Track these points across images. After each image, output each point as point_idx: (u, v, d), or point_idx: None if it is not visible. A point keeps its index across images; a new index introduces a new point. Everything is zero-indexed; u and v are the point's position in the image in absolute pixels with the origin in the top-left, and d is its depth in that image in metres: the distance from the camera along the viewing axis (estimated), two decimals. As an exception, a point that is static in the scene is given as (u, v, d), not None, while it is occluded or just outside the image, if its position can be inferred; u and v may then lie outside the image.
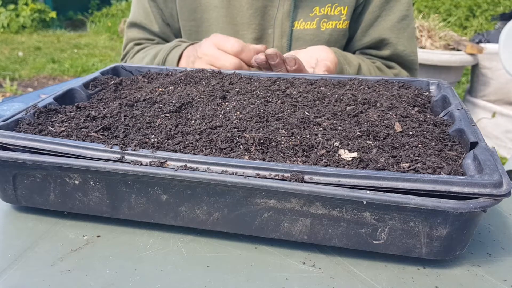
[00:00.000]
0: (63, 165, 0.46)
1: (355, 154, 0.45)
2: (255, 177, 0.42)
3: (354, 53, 1.02)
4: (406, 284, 0.41)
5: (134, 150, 0.46)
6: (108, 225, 0.50)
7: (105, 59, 4.37)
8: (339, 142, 0.48)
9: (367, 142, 0.49)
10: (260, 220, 0.44)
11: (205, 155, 0.47)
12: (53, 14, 5.62)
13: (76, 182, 0.47)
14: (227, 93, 0.64)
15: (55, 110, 0.58)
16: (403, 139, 0.50)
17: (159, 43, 1.02)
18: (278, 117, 0.55)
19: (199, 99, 0.61)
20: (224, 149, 0.48)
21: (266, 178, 0.42)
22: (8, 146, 0.48)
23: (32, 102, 0.58)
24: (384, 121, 0.54)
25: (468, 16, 3.83)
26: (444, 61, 2.71)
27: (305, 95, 0.63)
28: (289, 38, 0.95)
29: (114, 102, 0.62)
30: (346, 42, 1.01)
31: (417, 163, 0.44)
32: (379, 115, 0.55)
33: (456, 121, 0.52)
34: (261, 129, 0.52)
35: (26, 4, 5.48)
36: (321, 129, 0.52)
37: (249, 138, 0.49)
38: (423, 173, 0.42)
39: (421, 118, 0.55)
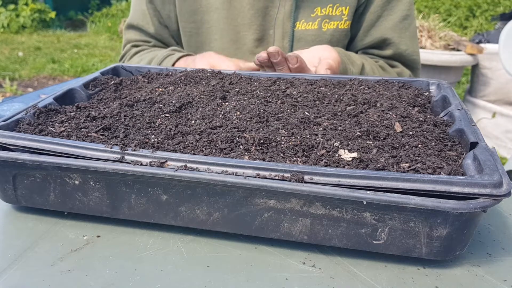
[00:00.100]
0: (63, 165, 0.46)
1: (355, 154, 0.45)
2: (255, 177, 0.42)
3: (356, 53, 1.02)
4: (406, 284, 0.41)
5: (134, 150, 0.46)
6: (108, 225, 0.50)
7: (105, 59, 4.37)
8: (339, 142, 0.48)
9: (367, 142, 0.49)
10: (260, 220, 0.44)
11: (205, 155, 0.47)
12: (53, 14, 5.62)
13: (76, 182, 0.47)
14: (227, 93, 0.64)
15: (55, 110, 0.58)
16: (403, 139, 0.50)
17: (155, 45, 1.02)
18: (278, 117, 0.55)
19: (199, 99, 0.61)
20: (224, 149, 0.48)
21: (266, 178, 0.42)
22: (8, 146, 0.48)
23: (32, 102, 0.58)
24: (384, 121, 0.54)
25: (468, 16, 3.83)
26: (444, 61, 2.71)
27: (305, 95, 0.63)
28: (290, 38, 0.95)
29: (114, 102, 0.62)
30: (348, 42, 1.01)
31: (417, 163, 0.44)
32: (379, 115, 0.55)
33: (456, 121, 0.52)
34: (261, 129, 0.52)
35: (26, 4, 5.48)
36: (321, 129, 0.52)
37: (249, 138, 0.49)
38: (423, 173, 0.42)
39: (421, 118, 0.55)
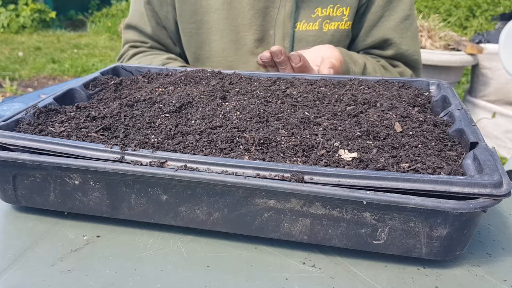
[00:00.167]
0: (63, 165, 0.46)
1: (355, 154, 0.45)
2: (255, 177, 0.42)
3: (358, 53, 1.02)
4: (406, 284, 0.41)
5: (134, 150, 0.46)
6: (108, 225, 0.50)
7: (105, 59, 4.37)
8: (339, 142, 0.48)
9: (367, 142, 0.49)
10: (260, 220, 0.44)
11: (205, 155, 0.47)
12: (53, 14, 5.62)
13: (76, 182, 0.47)
14: (227, 93, 0.64)
15: (55, 110, 0.58)
16: (403, 139, 0.50)
17: (153, 46, 1.02)
18: (278, 117, 0.55)
19: (199, 99, 0.61)
20: (224, 149, 0.48)
21: (266, 178, 0.42)
22: (8, 146, 0.48)
23: (32, 102, 0.58)
24: (384, 121, 0.54)
25: (468, 16, 3.83)
26: (444, 61, 2.71)
27: (305, 95, 0.63)
28: (291, 39, 0.95)
29: (114, 102, 0.62)
30: (350, 42, 1.01)
31: (417, 163, 0.44)
32: (379, 115, 0.55)
33: (456, 121, 0.52)
34: (261, 129, 0.52)
35: (26, 4, 5.48)
36: (321, 129, 0.52)
37: (249, 138, 0.49)
38: (423, 173, 0.42)
39: (421, 118, 0.55)
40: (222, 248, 0.46)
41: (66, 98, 0.63)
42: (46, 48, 4.73)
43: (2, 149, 0.49)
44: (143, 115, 0.57)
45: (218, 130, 0.52)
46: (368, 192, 0.40)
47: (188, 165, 0.44)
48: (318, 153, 0.46)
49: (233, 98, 0.62)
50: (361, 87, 0.67)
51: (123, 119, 0.55)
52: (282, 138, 0.49)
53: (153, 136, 0.51)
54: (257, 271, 0.43)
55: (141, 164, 0.44)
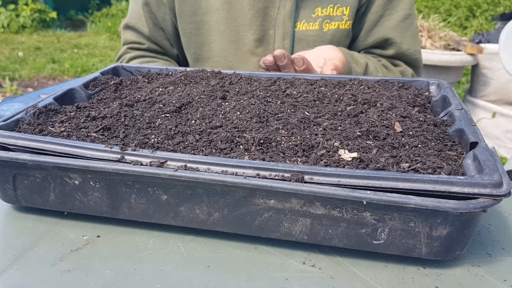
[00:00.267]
0: (63, 165, 0.46)
1: (355, 154, 0.45)
2: (255, 177, 0.42)
3: (358, 52, 1.02)
4: (406, 284, 0.41)
5: (134, 150, 0.46)
6: (108, 225, 0.50)
7: (105, 59, 4.37)
8: (339, 142, 0.48)
9: (367, 142, 0.49)
10: (260, 220, 0.44)
11: (205, 155, 0.47)
12: (53, 14, 5.62)
13: (76, 182, 0.47)
14: (227, 93, 0.64)
15: (55, 110, 0.58)
16: (403, 139, 0.50)
17: (149, 47, 1.02)
18: (278, 117, 0.55)
19: (199, 99, 0.61)
20: (224, 149, 0.48)
21: (266, 178, 0.42)
22: (8, 146, 0.48)
23: (32, 102, 0.58)
24: (384, 121, 0.54)
25: (468, 16, 3.83)
26: (444, 61, 2.71)
27: (305, 95, 0.63)
28: (291, 39, 0.95)
29: (114, 102, 0.62)
30: (350, 42, 1.02)
31: (417, 163, 0.44)
32: (379, 115, 0.55)
33: (456, 121, 0.52)
34: (261, 129, 0.52)
35: (26, 4, 5.48)
36: (321, 129, 0.52)
37: (249, 138, 0.49)
38: (423, 173, 0.42)
39: (421, 118, 0.55)
40: (222, 248, 0.46)
41: (66, 98, 0.63)
42: (46, 48, 4.73)
43: (2, 149, 0.49)
44: (143, 115, 0.57)
45: (218, 130, 0.52)
46: (368, 192, 0.40)
47: (188, 165, 0.44)
48: (318, 153, 0.46)
49: (233, 98, 0.62)
50: (361, 87, 0.67)
51: (123, 119, 0.55)
52: (282, 138, 0.49)
53: (153, 136, 0.51)
54: (257, 271, 0.43)
55: (141, 164, 0.44)
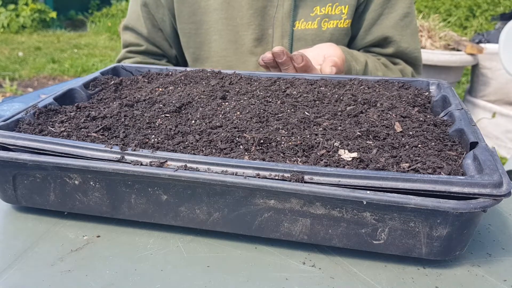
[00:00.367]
0: (63, 165, 0.46)
1: (355, 154, 0.45)
2: (255, 177, 0.42)
3: (358, 51, 1.02)
4: (406, 284, 0.41)
5: (134, 150, 0.46)
6: (108, 225, 0.50)
7: (105, 59, 4.37)
8: (339, 142, 0.48)
9: (367, 142, 0.49)
10: (260, 220, 0.44)
11: (205, 155, 0.47)
12: (53, 14, 5.62)
13: (76, 182, 0.47)
14: (227, 93, 0.64)
15: (55, 110, 0.58)
16: (403, 139, 0.50)
17: (148, 49, 1.02)
18: (278, 117, 0.55)
19: (199, 99, 0.61)
20: (224, 149, 0.48)
21: (266, 178, 0.42)
22: (8, 146, 0.48)
23: (32, 102, 0.58)
24: (384, 121, 0.54)
25: (468, 16, 3.83)
26: (444, 61, 2.71)
27: (305, 95, 0.63)
28: (290, 38, 0.95)
29: (114, 102, 0.62)
30: (349, 41, 1.01)
31: (417, 163, 0.44)
32: (379, 115, 0.55)
33: (456, 121, 0.52)
34: (261, 129, 0.52)
35: (26, 4, 5.47)
36: (321, 129, 0.52)
37: (249, 138, 0.49)
38: (423, 173, 0.42)
39: (421, 118, 0.55)
40: (222, 248, 0.46)
41: (66, 98, 0.63)
42: (46, 48, 4.73)
43: (2, 149, 0.49)
44: (143, 115, 0.57)
45: (218, 130, 0.52)
46: (368, 192, 0.40)
47: (188, 165, 0.44)
48: (318, 153, 0.46)
49: (233, 98, 0.62)
50: (361, 87, 0.67)
51: (123, 119, 0.55)
52: (282, 138, 0.49)
53: (153, 136, 0.51)
54: (257, 271, 0.43)
55: (141, 164, 0.44)
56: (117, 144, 0.47)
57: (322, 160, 0.45)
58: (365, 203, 0.40)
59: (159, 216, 0.47)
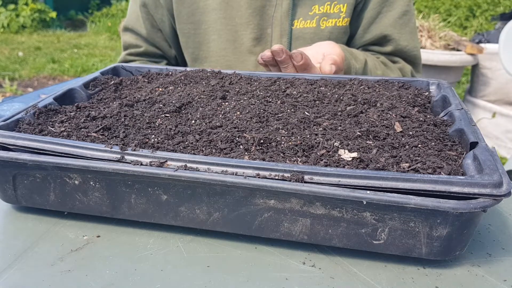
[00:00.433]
0: (63, 165, 0.46)
1: (355, 154, 0.45)
2: (255, 177, 0.42)
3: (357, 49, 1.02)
4: (406, 284, 0.41)
5: (134, 150, 0.46)
6: (108, 225, 0.50)
7: (105, 59, 4.37)
8: (339, 142, 0.48)
9: (367, 142, 0.49)
10: (260, 220, 0.44)
11: (205, 155, 0.47)
12: (53, 14, 5.62)
13: (76, 182, 0.47)
14: (227, 93, 0.64)
15: (55, 110, 0.58)
16: (403, 139, 0.50)
17: (147, 50, 1.02)
18: (278, 117, 0.55)
19: (199, 99, 0.61)
20: (224, 149, 0.48)
21: (266, 178, 0.42)
22: (8, 146, 0.48)
23: (32, 102, 0.58)
24: (384, 121, 0.54)
25: (468, 16, 3.83)
26: (444, 61, 2.71)
27: (305, 95, 0.63)
28: (289, 37, 0.95)
29: (114, 102, 0.62)
30: (348, 39, 1.01)
31: (417, 163, 0.44)
32: (379, 115, 0.55)
33: (456, 121, 0.52)
34: (261, 129, 0.52)
35: (26, 4, 5.47)
36: (321, 129, 0.52)
37: (249, 138, 0.49)
38: (423, 173, 0.42)
39: (421, 118, 0.55)
40: (222, 248, 0.46)
41: (66, 98, 0.63)
42: (46, 48, 4.73)
43: (2, 149, 0.49)
44: (143, 115, 0.57)
45: (218, 130, 0.52)
46: (368, 192, 0.40)
47: (188, 165, 0.44)
48: (318, 153, 0.46)
49: (233, 98, 0.62)
50: (361, 87, 0.67)
51: (123, 119, 0.55)
52: (282, 138, 0.49)
53: (153, 136, 0.51)
54: (257, 271, 0.43)
55: (141, 164, 0.44)
56: (117, 144, 0.47)
57: (322, 160, 0.45)
58: (365, 203, 0.40)
59: (159, 216, 0.47)
